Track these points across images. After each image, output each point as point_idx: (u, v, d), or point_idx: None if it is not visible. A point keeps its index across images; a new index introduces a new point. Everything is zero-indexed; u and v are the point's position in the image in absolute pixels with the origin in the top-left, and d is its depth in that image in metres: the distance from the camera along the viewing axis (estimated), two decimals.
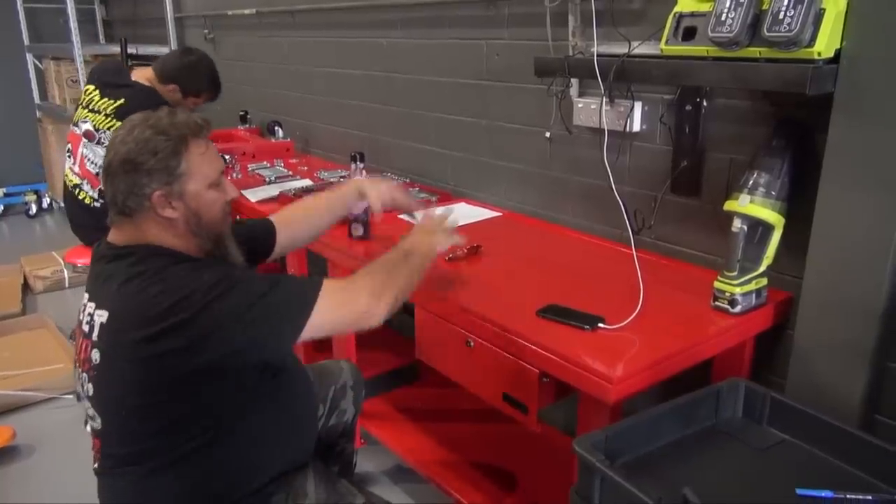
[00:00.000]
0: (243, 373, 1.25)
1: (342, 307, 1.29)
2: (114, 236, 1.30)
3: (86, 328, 1.25)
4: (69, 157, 2.66)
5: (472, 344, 1.48)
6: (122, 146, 1.23)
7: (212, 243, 1.32)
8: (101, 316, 1.21)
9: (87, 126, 2.57)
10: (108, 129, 2.53)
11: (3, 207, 5.22)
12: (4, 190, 5.23)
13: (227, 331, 1.17)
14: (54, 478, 2.23)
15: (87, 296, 1.29)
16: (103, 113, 2.55)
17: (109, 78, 2.67)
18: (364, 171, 1.88)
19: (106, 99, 2.57)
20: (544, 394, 1.37)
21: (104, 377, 1.23)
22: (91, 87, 2.63)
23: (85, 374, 1.26)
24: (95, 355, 1.22)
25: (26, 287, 3.77)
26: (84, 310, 1.27)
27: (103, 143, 2.54)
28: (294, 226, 1.66)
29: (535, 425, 1.39)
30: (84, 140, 2.58)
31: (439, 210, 1.66)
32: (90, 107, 2.59)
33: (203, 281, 1.18)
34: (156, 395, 1.19)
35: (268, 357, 1.28)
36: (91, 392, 1.26)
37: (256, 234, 1.59)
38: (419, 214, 1.71)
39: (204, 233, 1.30)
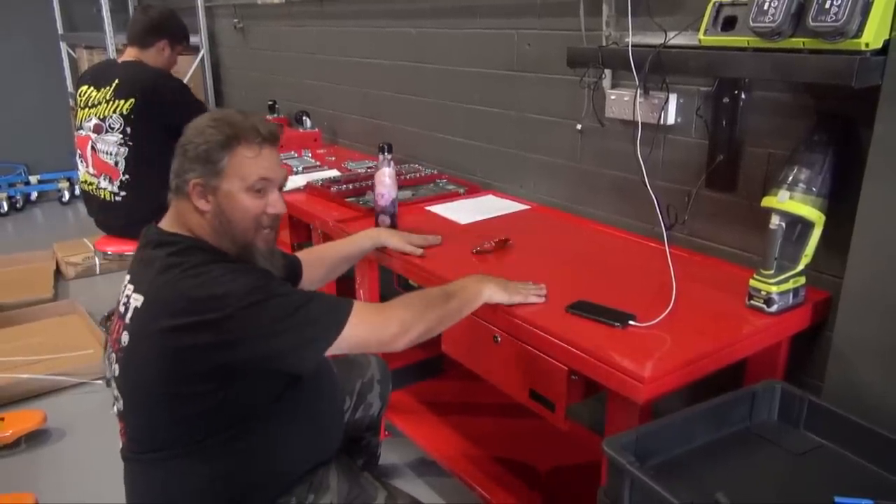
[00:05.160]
0: (268, 375, 1.24)
1: (370, 333, 1.28)
2: (165, 219, 1.32)
3: (122, 309, 1.26)
4: (81, 161, 2.67)
5: (499, 339, 1.46)
6: (188, 130, 1.28)
7: (237, 249, 1.30)
8: (137, 300, 1.22)
9: (93, 121, 2.58)
10: (114, 112, 2.54)
11: (37, 194, 5.32)
12: (38, 177, 5.32)
13: (254, 340, 1.17)
14: (84, 461, 2.27)
15: (128, 277, 1.30)
16: (104, 101, 2.57)
17: (99, 72, 2.70)
18: (392, 162, 1.86)
19: (102, 89, 2.58)
20: (573, 391, 1.34)
21: (131, 361, 1.23)
22: (85, 87, 2.64)
23: (114, 355, 1.27)
24: (125, 337, 1.23)
25: (58, 273, 3.83)
26: (124, 290, 1.28)
27: (114, 129, 2.55)
28: (317, 270, 1.69)
29: (564, 423, 1.37)
30: (94, 136, 2.59)
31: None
32: (89, 104, 2.60)
33: (240, 285, 1.17)
34: (179, 387, 1.18)
35: (288, 369, 1.26)
36: (117, 373, 1.27)
37: (289, 266, 1.59)
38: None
39: (229, 237, 1.28)
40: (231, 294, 1.15)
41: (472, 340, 1.55)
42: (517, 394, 1.45)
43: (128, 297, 1.25)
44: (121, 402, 1.28)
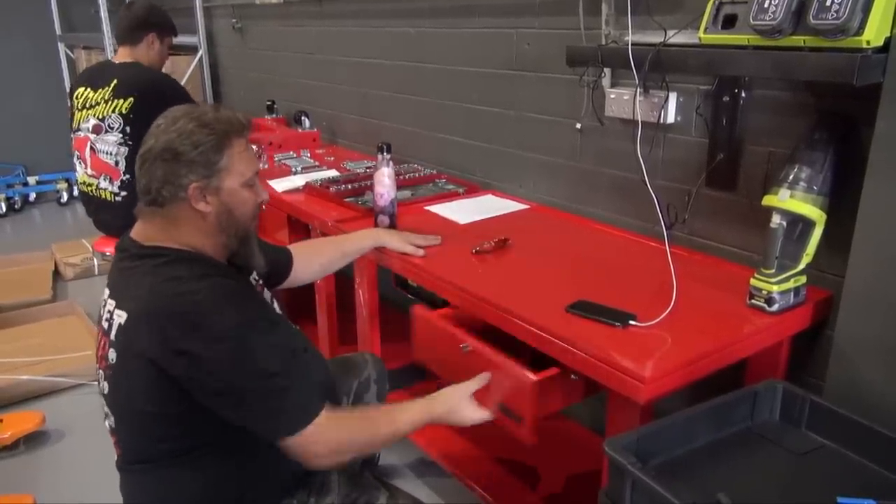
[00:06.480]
0: None
1: (306, 450, 1.20)
2: (139, 231, 1.27)
3: (105, 325, 1.24)
4: (79, 163, 2.65)
5: (468, 348, 1.45)
6: (163, 135, 1.22)
7: (238, 242, 1.30)
8: (120, 317, 1.19)
9: (92, 121, 2.57)
10: (113, 111, 2.53)
11: (35, 195, 5.31)
12: (37, 178, 5.31)
13: (220, 397, 1.16)
14: (83, 463, 2.26)
15: (107, 291, 1.27)
16: (102, 101, 2.55)
17: (95, 73, 2.70)
18: (391, 162, 1.86)
19: (100, 90, 2.57)
20: (573, 392, 1.34)
21: (119, 379, 1.22)
22: (81, 90, 2.63)
23: (101, 372, 1.26)
24: (112, 355, 1.21)
25: (57, 274, 3.83)
26: (105, 306, 1.25)
27: (113, 129, 2.54)
28: (310, 262, 1.68)
29: (532, 437, 1.37)
30: (92, 136, 2.57)
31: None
32: (87, 105, 2.59)
33: (224, 327, 1.15)
34: (167, 406, 1.18)
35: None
36: (106, 390, 1.26)
37: (277, 259, 1.59)
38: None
39: (232, 231, 1.28)
40: (217, 339, 1.13)
41: (441, 351, 1.54)
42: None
43: (110, 312, 1.22)
44: (112, 418, 1.27)
